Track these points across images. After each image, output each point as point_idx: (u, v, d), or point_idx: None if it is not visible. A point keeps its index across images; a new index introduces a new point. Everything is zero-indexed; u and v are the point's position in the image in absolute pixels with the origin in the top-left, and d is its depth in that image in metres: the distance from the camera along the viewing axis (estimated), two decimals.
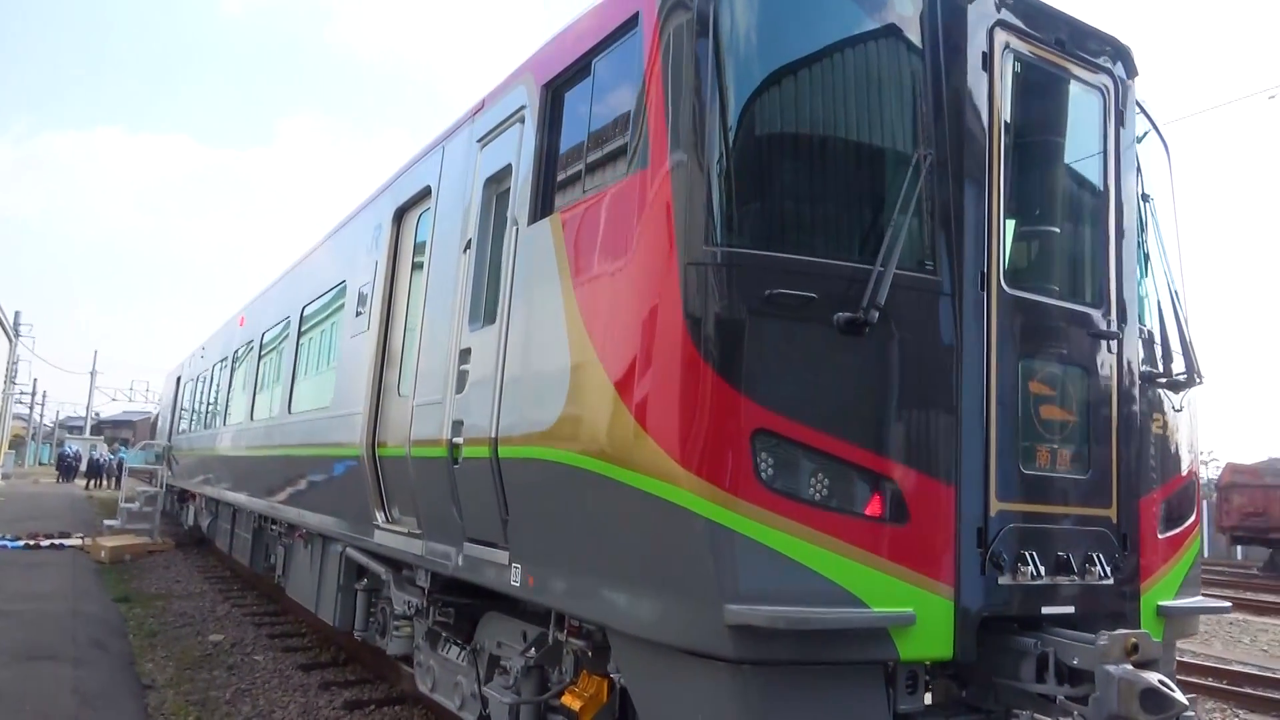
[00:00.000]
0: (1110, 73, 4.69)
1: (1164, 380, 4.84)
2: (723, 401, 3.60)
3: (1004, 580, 3.95)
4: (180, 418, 21.90)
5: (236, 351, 14.75)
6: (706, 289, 3.68)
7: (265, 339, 12.41)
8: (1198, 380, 4.96)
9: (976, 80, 4.16)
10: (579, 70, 4.83)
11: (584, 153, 4.66)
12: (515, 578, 4.89)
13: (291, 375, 10.20)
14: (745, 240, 3.79)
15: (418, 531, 6.29)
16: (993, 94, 4.21)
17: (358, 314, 7.87)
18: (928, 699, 4.17)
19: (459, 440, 5.48)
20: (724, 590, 3.50)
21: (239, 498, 13.61)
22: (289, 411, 10.09)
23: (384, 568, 7.55)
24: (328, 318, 9.33)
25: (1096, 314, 4.49)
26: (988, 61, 4.20)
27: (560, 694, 5.03)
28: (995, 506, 3.96)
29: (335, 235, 9.46)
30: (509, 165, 5.40)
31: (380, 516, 7.13)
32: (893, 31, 4.13)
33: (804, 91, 3.98)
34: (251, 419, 12.36)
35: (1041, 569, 4.00)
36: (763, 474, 3.59)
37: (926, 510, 3.80)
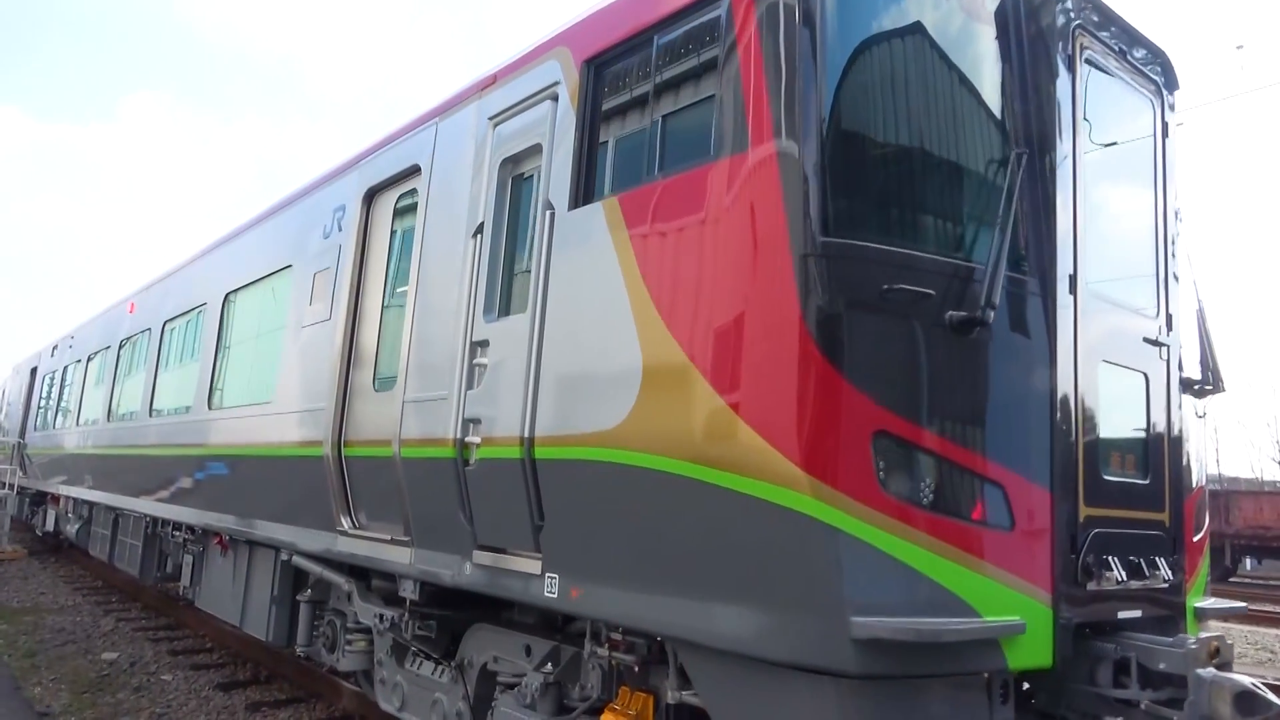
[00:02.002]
0: (1156, 83, 4.77)
1: (1193, 388, 4.96)
2: (846, 401, 3.40)
3: (1092, 586, 3.91)
4: (39, 413, 19.95)
5: (124, 341, 13.49)
6: (824, 282, 3.46)
7: (169, 328, 11.36)
8: (1221, 388, 5.12)
9: (1062, 80, 4.12)
10: (633, 47, 4.53)
11: (647, 134, 4.36)
12: (551, 589, 4.53)
13: (211, 368, 9.33)
14: (859, 233, 3.60)
15: (404, 539, 5.80)
16: (1075, 95, 4.18)
17: (314, 301, 7.24)
18: None
19: (474, 440, 5.06)
20: (849, 602, 3.29)
21: (125, 501, 12.43)
22: (207, 408, 9.23)
23: (344, 578, 6.96)
24: (263, 305, 8.58)
25: (1151, 321, 4.55)
26: (1072, 62, 4.17)
27: (596, 712, 4.70)
28: (1084, 512, 3.92)
29: (275, 216, 8.70)
30: (535, 146, 5.03)
31: (346, 522, 6.56)
32: (983, 24, 4.04)
33: (912, 81, 3.83)
34: (150, 415, 11.29)
35: (1123, 574, 3.99)
36: (882, 478, 3.41)
37: (1028, 515, 3.72)
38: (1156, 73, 4.77)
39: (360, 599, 6.71)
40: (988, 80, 4.02)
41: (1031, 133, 4.01)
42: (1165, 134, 4.77)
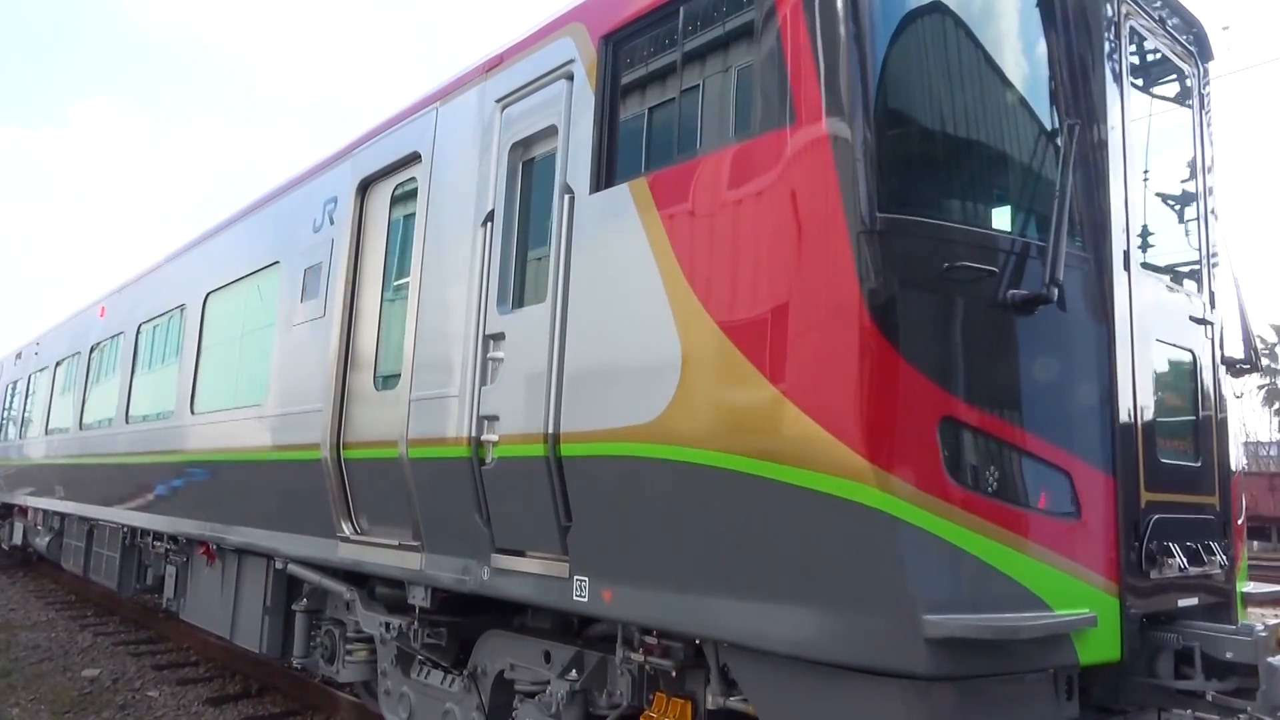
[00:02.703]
0: (1193, 53, 4.63)
1: (1234, 367, 4.83)
2: (911, 386, 3.21)
3: (1154, 574, 3.75)
4: (3, 423, 19.30)
5: (95, 347, 13.02)
6: (884, 261, 3.27)
7: (145, 331, 10.94)
8: (1259, 367, 5.00)
9: (1109, 49, 3.96)
10: (656, 20, 4.30)
11: (676, 112, 4.14)
12: (581, 593, 4.30)
13: (194, 371, 8.96)
14: (916, 209, 3.41)
15: (413, 543, 5.53)
16: (1122, 65, 4.02)
17: (306, 299, 6.93)
18: None
19: (491, 438, 4.81)
20: (920, 600, 3.10)
21: (101, 511, 11.99)
22: (190, 412, 8.87)
23: (344, 586, 6.68)
24: (249, 305, 8.24)
25: (1195, 298, 4.41)
26: (1118, 30, 4.01)
27: (627, 719, 4.49)
28: (1145, 497, 3.76)
29: (258, 212, 8.36)
30: (550, 127, 4.79)
31: (347, 528, 6.27)
32: None
33: (963, 49, 3.65)
34: (126, 422, 10.87)
35: (1184, 560, 3.84)
36: (949, 466, 3.22)
37: (1093, 502, 3.55)
38: (1192, 43, 4.63)
39: (363, 607, 6.43)
40: (1036, 48, 3.85)
41: (1081, 103, 3.84)
42: (1203, 106, 4.63)
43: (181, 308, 9.68)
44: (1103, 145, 3.88)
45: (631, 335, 4.04)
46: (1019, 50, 3.81)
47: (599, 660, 4.84)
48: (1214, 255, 4.56)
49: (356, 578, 6.73)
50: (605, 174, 4.39)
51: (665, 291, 3.89)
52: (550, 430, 4.40)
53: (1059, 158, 3.62)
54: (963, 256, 3.34)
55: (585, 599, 4.28)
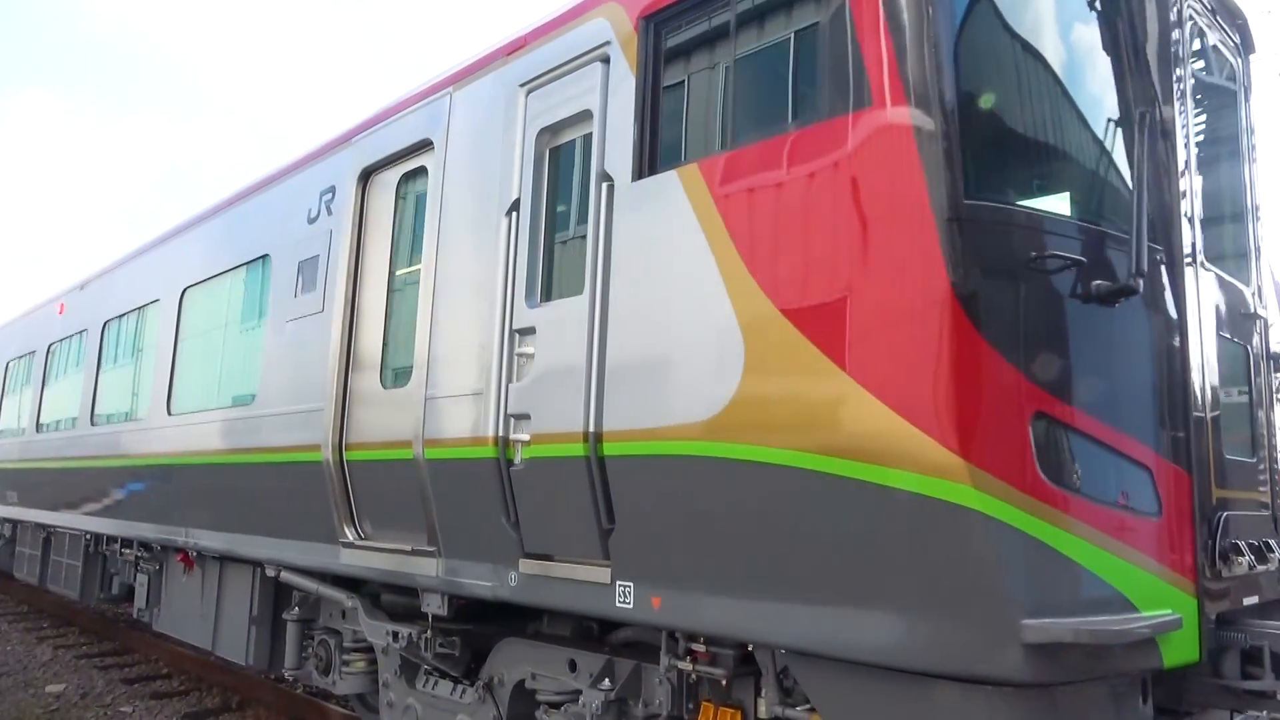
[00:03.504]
0: (1238, 45, 4.59)
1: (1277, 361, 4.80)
2: (1004, 380, 3.08)
3: (1226, 573, 3.67)
4: None
5: (53, 346, 12.43)
6: (974, 249, 3.13)
7: (112, 328, 10.45)
8: None
9: (1170, 38, 3.87)
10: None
11: (729, 94, 3.96)
12: (625, 599, 4.10)
13: (170, 370, 8.55)
14: (1001, 195, 3.27)
15: (428, 549, 5.28)
16: (1182, 53, 3.94)
17: (300, 293, 6.62)
18: None
19: (521, 437, 4.59)
20: (1018, 603, 2.97)
21: (60, 518, 11.45)
22: (166, 413, 8.46)
23: (344, 594, 6.38)
24: (233, 300, 7.87)
25: (1247, 292, 4.36)
26: (1180, 19, 3.93)
27: None
28: (1215, 494, 3.68)
29: (242, 204, 7.99)
30: (583, 113, 4.58)
31: (350, 533, 5.99)
32: None
33: (1042, 32, 3.53)
34: (91, 424, 10.37)
35: (1252, 559, 3.76)
36: (1041, 463, 3.09)
37: (1172, 500, 3.46)
38: (1238, 34, 4.59)
39: (366, 616, 6.14)
40: (1107, 32, 3.74)
41: (1150, 91, 3.75)
42: (1248, 97, 4.59)
43: (154, 304, 9.25)
44: (1167, 135, 3.79)
45: (684, 328, 3.85)
46: (1090, 34, 3.70)
47: (633, 668, 4.64)
48: (1259, 249, 4.51)
49: (352, 584, 6.45)
50: (649, 161, 4.20)
51: (723, 283, 3.71)
52: (590, 429, 4.19)
53: (1132, 146, 3.52)
54: (1050, 245, 3.22)
55: (630, 605, 4.08)
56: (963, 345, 3.05)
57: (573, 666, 4.94)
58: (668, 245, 4.00)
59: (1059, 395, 3.18)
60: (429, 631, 5.56)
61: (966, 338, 3.06)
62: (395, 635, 5.81)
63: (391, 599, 6.10)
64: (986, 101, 3.38)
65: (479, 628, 5.68)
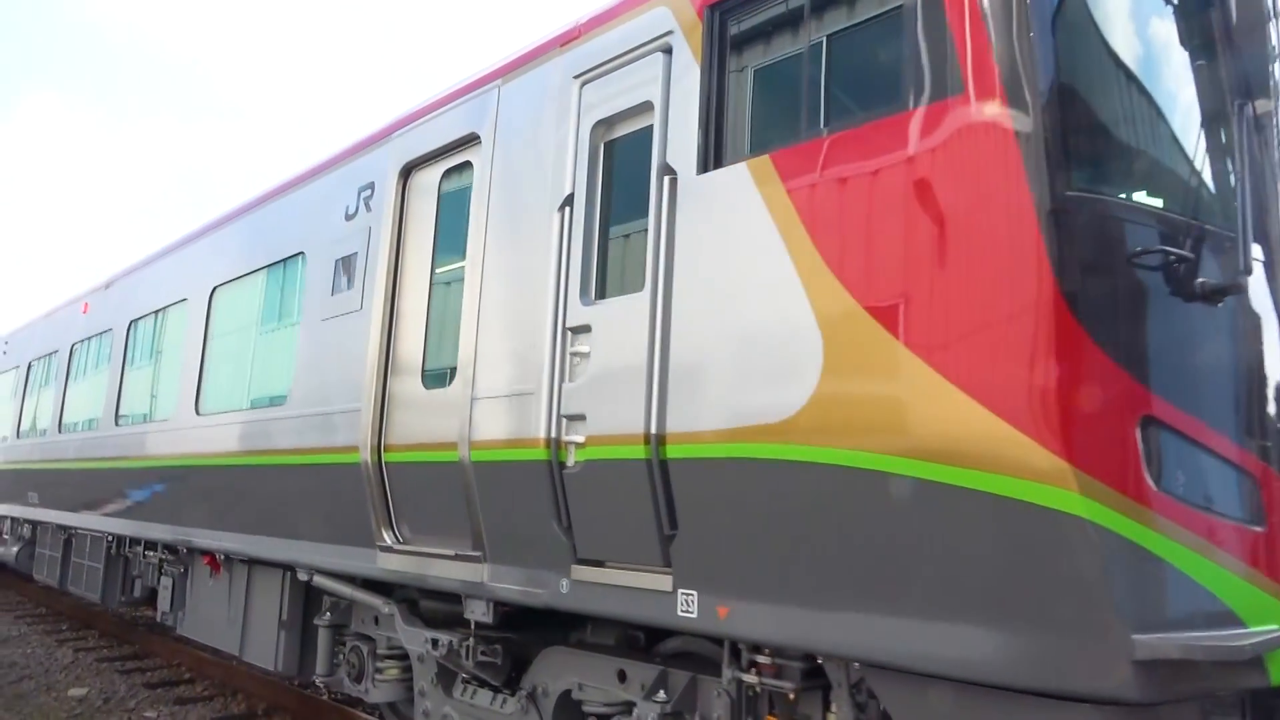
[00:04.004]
0: None
1: None
2: (1112, 381, 2.91)
3: None
4: None
5: (76, 345, 12.35)
6: (1076, 243, 2.97)
7: (137, 328, 10.35)
8: None
9: (1270, 29, 3.70)
10: None
11: (804, 83, 3.81)
12: (687, 608, 3.94)
13: (198, 370, 8.44)
14: (1106, 188, 3.11)
15: (473, 553, 5.13)
16: (1276, 42, 3.77)
17: (337, 291, 6.49)
18: None
19: (575, 439, 4.44)
20: (1129, 617, 2.79)
21: (82, 519, 11.35)
22: (195, 414, 8.34)
23: (381, 599, 6.23)
24: (266, 299, 7.75)
25: None
26: (1275, 11, 3.76)
27: None
28: None
29: (274, 202, 7.87)
30: (644, 104, 4.44)
31: (388, 537, 5.84)
32: None
33: (1139, 20, 3.38)
34: (115, 424, 10.26)
35: None
36: (1150, 469, 2.92)
37: (1276, 509, 3.27)
38: None
39: (403, 622, 5.99)
40: (1203, 25, 3.58)
41: (1246, 83, 3.58)
42: None
43: (182, 303, 9.14)
44: (1263, 129, 3.63)
45: (755, 326, 3.69)
46: (1187, 24, 3.54)
47: (689, 680, 4.48)
48: None
49: (385, 589, 6.32)
50: (716, 153, 4.05)
51: (800, 279, 3.55)
52: (652, 430, 4.03)
53: (1232, 139, 3.36)
54: (1155, 240, 3.06)
55: (693, 615, 3.92)
56: (1069, 344, 2.89)
57: (622, 677, 4.77)
58: (737, 240, 3.84)
59: (1166, 398, 3.01)
60: (471, 639, 5.40)
61: (1072, 336, 2.89)
62: (434, 643, 5.66)
63: (431, 605, 5.95)
64: (1085, 90, 3.22)
65: (520, 635, 5.52)
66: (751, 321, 3.71)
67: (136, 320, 10.35)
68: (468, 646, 5.44)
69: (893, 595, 3.25)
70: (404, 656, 6.43)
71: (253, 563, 7.83)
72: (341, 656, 6.96)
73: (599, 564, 4.46)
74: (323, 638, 6.98)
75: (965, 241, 3.10)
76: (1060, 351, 2.88)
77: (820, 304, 3.46)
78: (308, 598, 7.42)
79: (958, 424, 3.04)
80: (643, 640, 5.13)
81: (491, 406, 4.96)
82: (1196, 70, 3.53)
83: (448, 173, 5.82)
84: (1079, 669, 2.85)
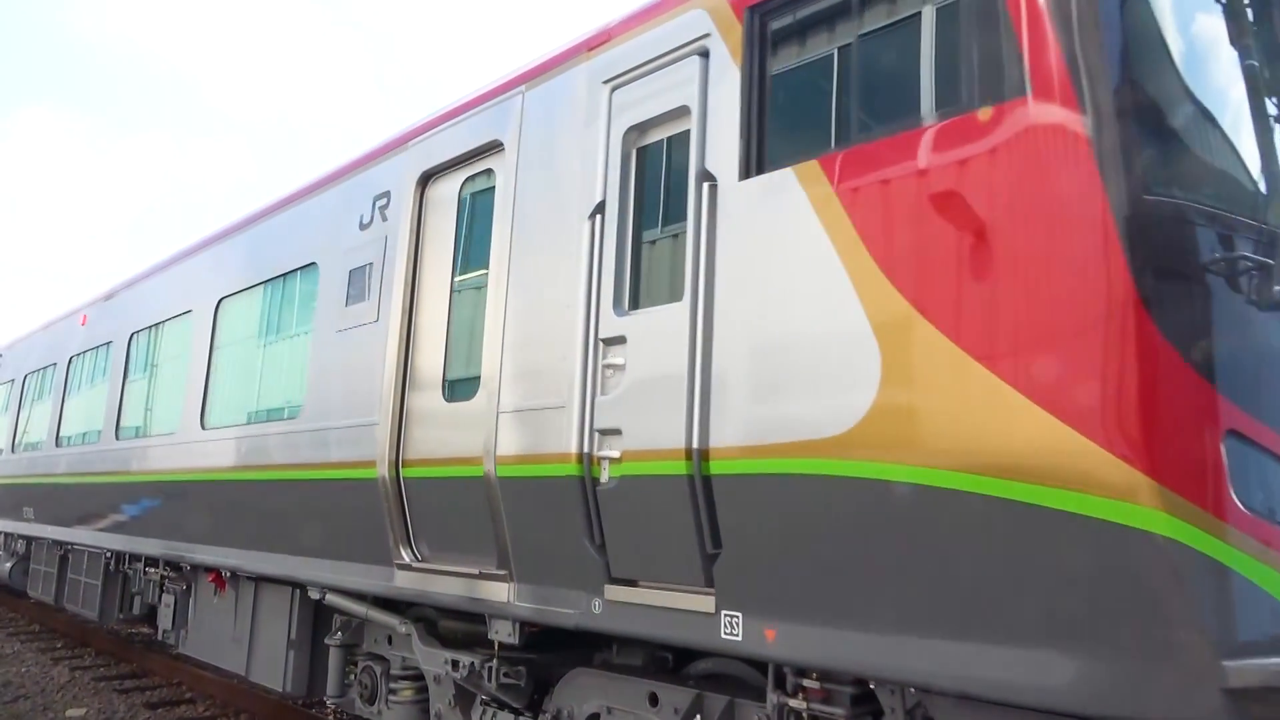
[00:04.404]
0: None
1: None
2: (1195, 394, 2.79)
3: None
4: None
5: (74, 358, 12.14)
6: (1156, 249, 2.85)
7: (139, 340, 10.17)
8: None
9: None
10: None
11: (849, 87, 3.70)
12: (732, 630, 3.79)
13: (204, 383, 8.26)
14: (1181, 192, 2.99)
15: (498, 572, 4.97)
16: None
17: (352, 302, 6.34)
18: None
19: (610, 454, 4.29)
20: (1219, 643, 2.66)
21: (79, 534, 11.12)
22: (201, 427, 8.16)
23: (398, 619, 6.06)
24: (274, 310, 7.59)
25: None
26: None
27: None
28: None
29: (284, 212, 7.71)
30: (679, 109, 4.31)
31: (406, 554, 5.68)
32: None
33: (1216, 21, 3.27)
34: (116, 438, 10.06)
35: None
36: (1237, 487, 2.79)
37: None
38: None
39: (421, 643, 5.82)
40: (1265, 23, 3.48)
41: None
42: None
43: (186, 314, 8.97)
44: None
45: (805, 336, 3.56)
46: (1263, 19, 3.43)
47: (726, 704, 4.32)
48: None
49: (397, 607, 6.15)
50: (758, 159, 3.93)
51: (854, 287, 3.42)
52: (694, 445, 3.89)
53: None
54: (1232, 246, 2.94)
55: (738, 637, 3.77)
56: (1151, 353, 2.76)
57: (654, 700, 4.61)
58: (783, 248, 3.71)
59: (1246, 409, 2.88)
60: (494, 660, 5.24)
61: (1154, 345, 2.76)
62: (455, 664, 5.49)
63: (452, 626, 5.78)
64: (1155, 90, 3.11)
65: (543, 656, 5.36)
66: (800, 332, 3.58)
67: (138, 332, 10.17)
68: (490, 668, 5.28)
69: (958, 617, 3.11)
70: (419, 677, 6.26)
71: (260, 580, 7.64)
72: (353, 677, 6.79)
73: (632, 583, 4.32)
74: (334, 658, 6.80)
75: (1037, 247, 2.98)
76: (1142, 361, 2.76)
77: (876, 312, 3.33)
78: (317, 617, 7.24)
79: (1030, 438, 2.91)
80: (671, 662, 4.98)
81: (518, 420, 4.81)
82: (1268, 69, 3.43)
83: (468, 180, 5.69)
84: (1163, 697, 2.71)
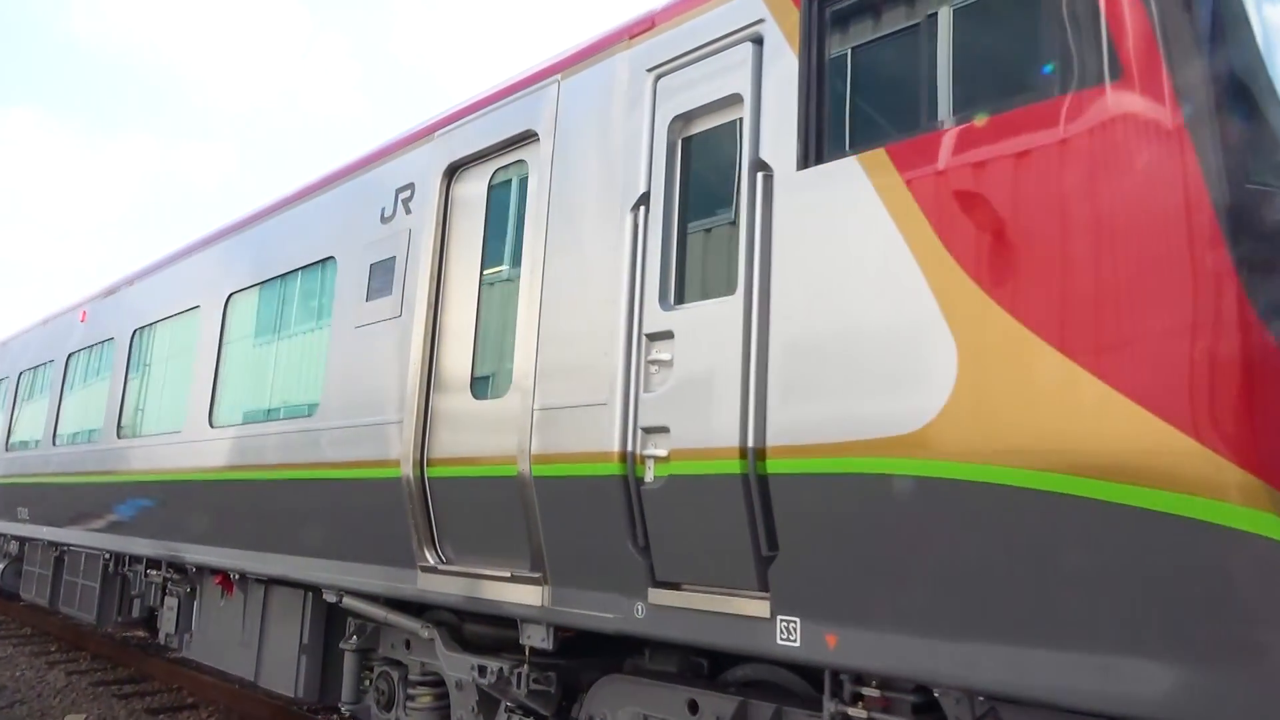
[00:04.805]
0: None
1: None
2: None
3: None
4: None
5: (73, 355, 11.91)
6: (1261, 239, 2.73)
7: (141, 337, 9.95)
8: None
9: None
10: None
11: (919, 71, 3.57)
12: (789, 635, 3.65)
13: (213, 380, 8.07)
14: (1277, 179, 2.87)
15: (531, 575, 4.81)
16: None
17: (373, 297, 6.18)
18: None
19: (657, 452, 4.15)
20: None
21: (76, 535, 10.89)
22: (210, 426, 7.97)
23: (420, 623, 5.89)
24: (288, 306, 7.42)
25: None
26: None
27: None
28: None
29: (299, 205, 7.54)
30: (730, 97, 4.18)
31: (430, 556, 5.51)
32: None
33: None
34: (118, 436, 9.85)
35: None
36: None
37: None
38: None
39: (444, 648, 5.65)
40: None
41: None
42: None
43: (194, 310, 8.78)
44: None
45: (873, 330, 3.43)
46: None
47: (773, 712, 4.18)
48: None
49: (416, 610, 5.99)
50: (818, 147, 3.80)
51: (925, 279, 3.29)
52: (748, 443, 3.75)
53: None
54: None
55: (795, 643, 3.63)
56: (1253, 347, 2.64)
57: (694, 708, 4.46)
58: (847, 239, 3.58)
59: None
60: (525, 665, 5.08)
61: (1257, 338, 2.64)
62: (481, 669, 5.32)
63: (476, 629, 5.62)
64: (1254, 75, 2.99)
65: (572, 661, 5.20)
66: (867, 325, 3.44)
67: (142, 329, 9.96)
68: (520, 673, 5.12)
69: (1039, 622, 2.98)
70: (438, 683, 6.10)
71: (271, 583, 7.45)
72: (369, 682, 6.61)
73: (676, 586, 4.18)
74: (349, 662, 6.61)
75: (1129, 238, 2.85)
76: (1245, 355, 2.63)
77: (952, 305, 3.20)
78: (329, 620, 7.07)
79: (1123, 436, 2.78)
80: (706, 668, 4.83)
81: (555, 418, 4.66)
82: None
83: (499, 172, 5.54)
84: (1266, 707, 2.58)
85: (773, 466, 3.69)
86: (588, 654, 5.14)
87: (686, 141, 4.46)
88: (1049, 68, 3.17)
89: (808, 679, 4.24)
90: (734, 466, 3.79)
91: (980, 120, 3.27)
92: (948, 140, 3.36)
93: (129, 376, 10.00)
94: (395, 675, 6.36)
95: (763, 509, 3.74)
